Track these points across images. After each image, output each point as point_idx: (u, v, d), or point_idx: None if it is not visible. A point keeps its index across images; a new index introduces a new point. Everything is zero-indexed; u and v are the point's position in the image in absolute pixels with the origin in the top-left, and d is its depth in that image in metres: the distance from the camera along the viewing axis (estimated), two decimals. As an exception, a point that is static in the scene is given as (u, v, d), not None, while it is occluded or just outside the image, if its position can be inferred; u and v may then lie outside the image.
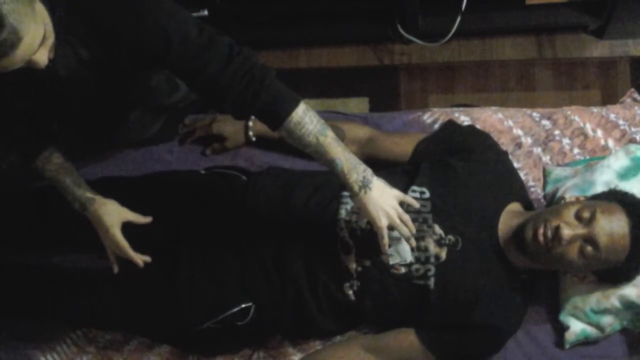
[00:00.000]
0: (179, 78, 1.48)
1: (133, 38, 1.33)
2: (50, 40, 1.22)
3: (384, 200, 1.44)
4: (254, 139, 1.85)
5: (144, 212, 1.59)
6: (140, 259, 1.56)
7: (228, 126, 1.86)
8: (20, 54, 1.14)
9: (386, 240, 1.46)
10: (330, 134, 1.41)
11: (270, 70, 1.39)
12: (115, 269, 1.59)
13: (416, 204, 1.50)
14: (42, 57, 1.21)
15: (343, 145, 1.43)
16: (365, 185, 1.42)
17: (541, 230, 1.43)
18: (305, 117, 1.39)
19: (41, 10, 1.18)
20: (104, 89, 1.48)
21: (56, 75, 1.36)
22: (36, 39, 1.16)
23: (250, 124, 1.84)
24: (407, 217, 1.47)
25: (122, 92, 1.56)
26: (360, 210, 1.46)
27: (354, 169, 1.42)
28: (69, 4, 1.28)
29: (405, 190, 1.57)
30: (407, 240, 1.48)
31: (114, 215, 1.55)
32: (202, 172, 1.80)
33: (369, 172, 1.44)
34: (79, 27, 1.33)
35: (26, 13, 1.11)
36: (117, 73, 1.44)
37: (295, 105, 1.38)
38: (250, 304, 1.60)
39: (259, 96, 1.36)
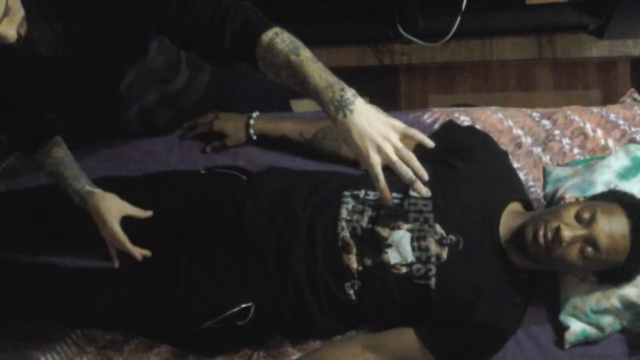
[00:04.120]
0: (156, 31, 1.43)
1: None
2: (18, 15, 1.20)
3: (375, 129, 1.14)
4: (255, 137, 1.84)
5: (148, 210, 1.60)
6: (139, 252, 1.56)
7: (229, 124, 1.85)
8: None
9: (383, 184, 1.18)
10: (305, 53, 1.20)
11: (239, 4, 1.28)
12: (116, 264, 1.59)
13: (430, 142, 1.21)
14: (9, 32, 1.18)
15: (322, 66, 1.19)
16: (343, 106, 1.14)
17: (541, 232, 1.43)
18: (277, 38, 1.21)
19: None
20: (88, 67, 1.45)
21: (39, 56, 1.34)
22: None
23: (252, 122, 1.84)
24: (409, 155, 1.17)
25: (109, 71, 1.52)
26: (345, 141, 1.18)
27: (330, 87, 1.16)
28: None
29: (406, 189, 1.57)
30: (412, 185, 1.18)
31: (113, 208, 1.55)
32: (202, 172, 1.79)
33: (350, 92, 1.16)
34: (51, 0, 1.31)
35: None
36: (95, 46, 1.40)
37: (265, 28, 1.23)
38: (250, 303, 1.60)
39: (225, 29, 1.25)
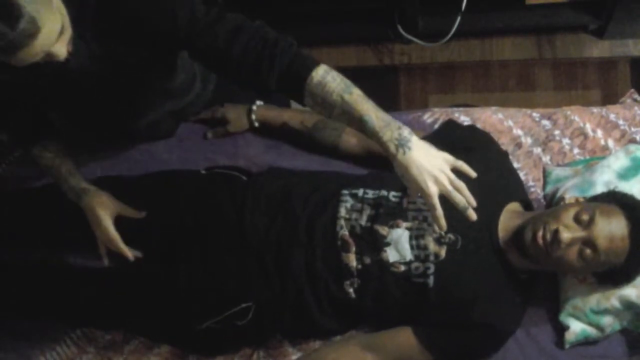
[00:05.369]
0: (197, 61, 1.45)
1: (147, 22, 1.34)
2: (68, 33, 1.22)
3: (431, 162, 1.27)
4: (256, 124, 1.84)
5: (143, 211, 1.60)
6: (131, 253, 1.56)
7: (232, 111, 1.86)
8: (39, 45, 1.15)
9: (439, 212, 1.29)
10: (356, 91, 1.29)
11: (284, 38, 1.33)
12: (106, 262, 1.60)
13: (473, 173, 1.34)
14: (61, 50, 1.21)
15: (373, 103, 1.30)
16: (402, 144, 1.26)
17: (540, 234, 1.43)
18: (327, 76, 1.29)
19: (58, 1, 1.19)
20: (114, 84, 1.46)
21: (67, 70, 1.35)
22: (54, 30, 1.17)
23: (254, 107, 1.84)
24: (461, 184, 1.30)
25: (134, 89, 1.54)
26: (403, 177, 1.30)
27: (387, 127, 1.27)
28: None
29: (404, 187, 1.57)
30: (464, 211, 1.31)
31: (107, 207, 1.56)
32: (203, 172, 1.79)
33: (406, 130, 1.28)
34: (90, 20, 1.33)
35: (43, 3, 1.13)
36: (127, 69, 1.43)
37: (314, 65, 1.30)
38: (250, 303, 1.60)
39: (274, 63, 1.30)
